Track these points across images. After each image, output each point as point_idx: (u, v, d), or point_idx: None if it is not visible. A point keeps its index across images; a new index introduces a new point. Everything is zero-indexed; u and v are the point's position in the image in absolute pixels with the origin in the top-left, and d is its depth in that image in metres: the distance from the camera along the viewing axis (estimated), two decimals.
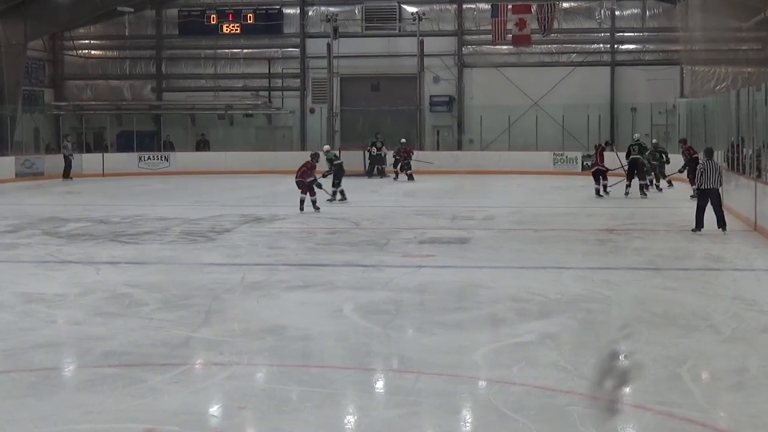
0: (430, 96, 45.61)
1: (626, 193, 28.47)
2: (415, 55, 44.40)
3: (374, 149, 37.70)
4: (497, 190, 29.99)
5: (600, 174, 28.55)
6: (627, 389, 8.47)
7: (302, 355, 9.83)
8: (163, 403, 8.00)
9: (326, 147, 29.86)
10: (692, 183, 26.64)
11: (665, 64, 43.57)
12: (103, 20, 47.26)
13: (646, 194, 28.28)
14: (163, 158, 43.21)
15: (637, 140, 30.02)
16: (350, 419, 7.90)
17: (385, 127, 43.12)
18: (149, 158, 43.04)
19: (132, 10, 45.72)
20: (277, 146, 44.86)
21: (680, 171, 29.56)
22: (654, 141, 32.37)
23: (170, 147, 45.34)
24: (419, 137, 44.38)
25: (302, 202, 24.51)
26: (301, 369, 9.27)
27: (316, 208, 24.35)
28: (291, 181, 34.00)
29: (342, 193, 27.43)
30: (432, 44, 44.51)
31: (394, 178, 37.10)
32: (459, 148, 44.80)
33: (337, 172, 27.91)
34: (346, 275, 14.64)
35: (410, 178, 37.41)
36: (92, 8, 44.64)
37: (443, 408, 7.97)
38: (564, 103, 43.25)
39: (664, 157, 30.54)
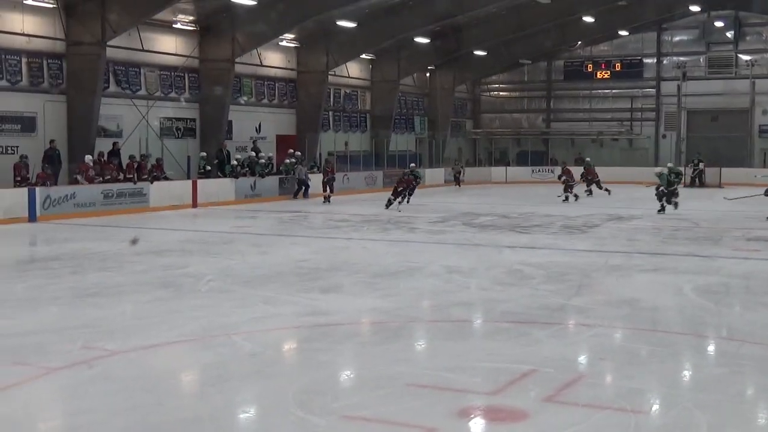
0: (759, 125, 42.63)
1: None
2: (748, 94, 41.75)
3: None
4: None
5: None
6: None
7: (650, 322, 9.48)
8: (543, 351, 8.02)
9: (412, 165, 28.23)
10: None
11: None
12: (508, 70, 47.83)
13: None
14: (549, 171, 43.14)
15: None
16: (686, 373, 7.57)
17: (721, 149, 40.71)
18: (539, 171, 43.07)
19: (530, 61, 46.62)
20: (636, 163, 43.52)
21: None
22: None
23: (555, 162, 45.18)
24: (749, 158, 41.77)
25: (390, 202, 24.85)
26: (649, 332, 8.96)
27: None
28: (646, 189, 32.68)
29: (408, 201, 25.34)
30: (763, 84, 41.65)
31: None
32: None
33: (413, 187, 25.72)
34: (687, 263, 13.97)
35: (326, 199, 27.21)
36: (501, 61, 45.29)
37: (762, 371, 7.44)
38: None
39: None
